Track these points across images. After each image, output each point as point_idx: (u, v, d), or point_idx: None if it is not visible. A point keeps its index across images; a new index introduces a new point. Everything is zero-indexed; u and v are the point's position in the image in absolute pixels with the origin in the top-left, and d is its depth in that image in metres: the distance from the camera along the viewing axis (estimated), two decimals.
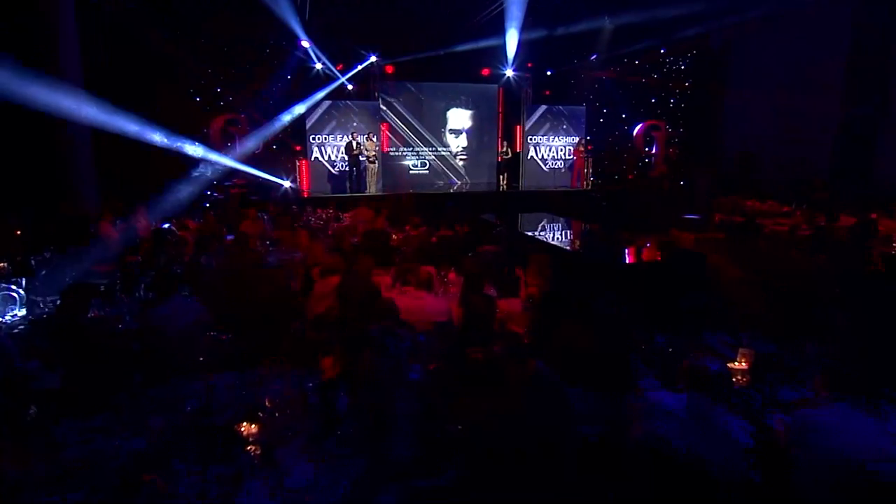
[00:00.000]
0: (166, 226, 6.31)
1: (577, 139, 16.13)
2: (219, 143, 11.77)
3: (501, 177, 15.16)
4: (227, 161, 11.42)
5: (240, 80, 12.63)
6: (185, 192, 9.89)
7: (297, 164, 13.49)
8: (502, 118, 16.65)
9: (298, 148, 13.77)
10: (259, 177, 12.12)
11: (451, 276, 4.85)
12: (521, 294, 4.47)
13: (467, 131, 16.19)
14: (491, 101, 16.34)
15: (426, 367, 3.70)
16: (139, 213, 8.65)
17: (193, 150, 10.55)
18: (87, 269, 6.49)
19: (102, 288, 5.71)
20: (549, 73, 16.08)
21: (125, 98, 10.02)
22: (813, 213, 10.91)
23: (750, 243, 9.96)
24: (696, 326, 3.69)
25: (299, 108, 12.88)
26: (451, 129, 16.04)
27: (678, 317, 3.85)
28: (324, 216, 9.48)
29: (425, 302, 3.65)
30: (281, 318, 4.32)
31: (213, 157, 11.13)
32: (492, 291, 4.82)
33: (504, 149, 15.14)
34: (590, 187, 15.78)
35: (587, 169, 16.01)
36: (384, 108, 14.86)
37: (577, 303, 3.65)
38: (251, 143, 12.25)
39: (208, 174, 10.91)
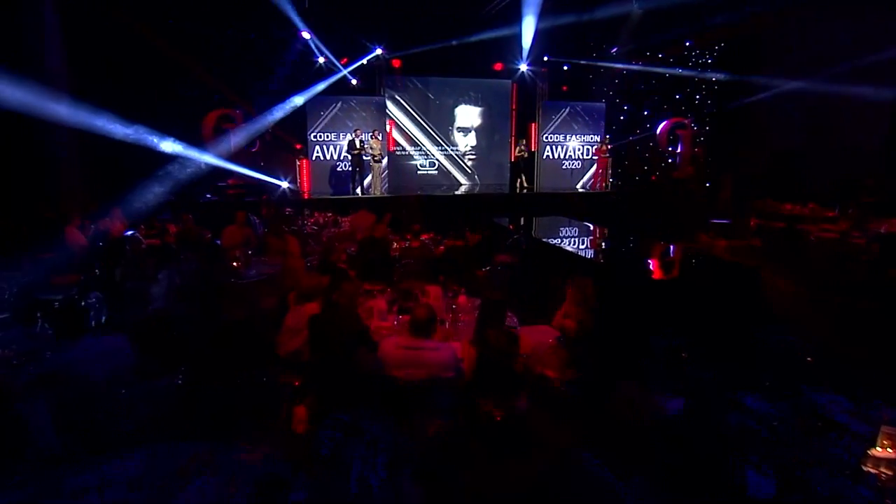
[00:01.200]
0: (130, 233, 5.46)
1: (597, 138, 15.11)
2: (212, 141, 10.94)
3: (520, 178, 14.16)
4: (211, 159, 10.57)
5: (235, 74, 11.78)
6: (168, 192, 9.06)
7: (298, 163, 12.65)
8: (515, 116, 15.71)
9: (299, 146, 12.92)
10: (254, 177, 11.28)
11: (462, 300, 3.91)
12: (554, 322, 3.52)
13: (477, 129, 15.26)
14: (503, 97, 15.38)
15: (424, 430, 2.78)
16: (113, 215, 7.84)
17: (174, 147, 9.71)
18: (45, 280, 5.67)
19: (57, 304, 4.88)
20: (565, 67, 15.08)
21: (109, 93, 9.25)
22: (863, 217, 9.79)
23: (795, 252, 8.95)
24: (789, 378, 2.74)
25: (298, 100, 12.00)
26: (458, 128, 15.12)
27: (760, 363, 2.91)
28: (321, 220, 8.60)
29: (425, 354, 2.72)
30: (247, 358, 3.42)
31: (197, 154, 10.28)
32: (512, 318, 3.89)
33: (521, 148, 14.16)
34: (609, 189, 14.77)
35: (608, 170, 15.02)
36: (390, 104, 13.97)
37: (633, 348, 2.71)
38: (246, 139, 11.41)
39: (191, 170, 10.05)
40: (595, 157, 14.87)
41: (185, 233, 6.54)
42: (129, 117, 9.47)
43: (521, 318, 4.07)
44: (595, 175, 14.89)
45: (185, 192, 9.93)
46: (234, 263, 5.09)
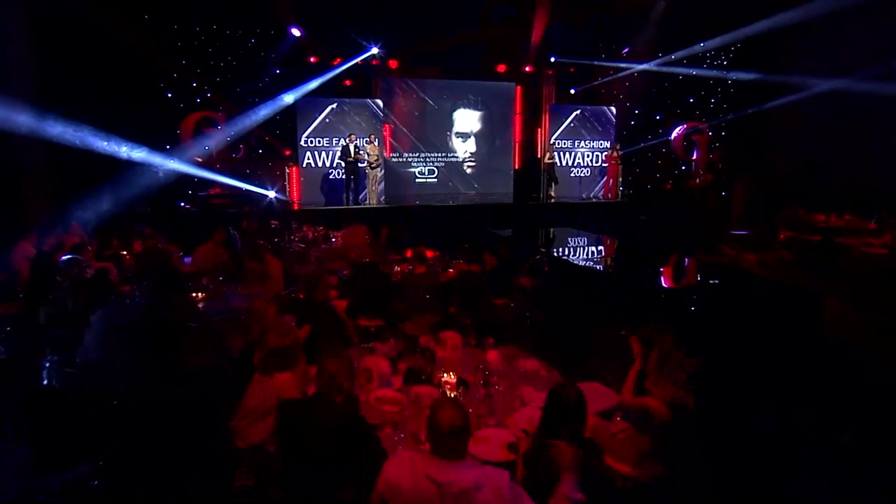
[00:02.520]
0: (67, 257, 4.44)
1: (606, 144, 14.21)
2: (191, 146, 9.92)
3: (550, 187, 13.21)
4: (188, 168, 9.54)
5: (218, 74, 10.78)
6: (139, 202, 8.04)
7: (287, 170, 11.64)
8: (520, 120, 14.80)
9: (288, 152, 11.92)
10: (238, 186, 10.26)
11: (493, 357, 2.91)
12: (624, 394, 2.52)
13: (476, 135, 14.32)
14: (506, 100, 14.47)
15: None
16: (71, 229, 6.81)
17: (147, 153, 8.66)
18: None
19: None
20: (571, 69, 14.19)
21: (77, 93, 8.24)
22: None
23: (838, 269, 8.04)
24: None
25: (288, 98, 11.01)
26: (457, 133, 14.18)
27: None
28: (310, 235, 7.59)
29: (450, 474, 1.66)
30: (194, 446, 2.41)
31: (174, 162, 9.24)
32: (552, 373, 2.90)
33: (551, 154, 13.22)
34: (620, 198, 13.85)
35: (619, 178, 14.11)
36: (386, 107, 13.02)
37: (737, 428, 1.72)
38: (229, 144, 10.41)
39: (160, 176, 9.01)
40: (605, 164, 13.96)
41: (146, 253, 5.52)
42: (98, 119, 8.43)
43: (556, 368, 3.10)
44: (606, 183, 13.98)
45: (161, 202, 8.90)
46: (197, 295, 4.09)
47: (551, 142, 13.72)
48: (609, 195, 13.80)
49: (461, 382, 2.59)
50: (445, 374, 2.59)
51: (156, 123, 9.26)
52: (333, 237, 7.40)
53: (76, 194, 7.57)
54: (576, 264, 8.13)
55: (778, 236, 10.42)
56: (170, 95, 10.37)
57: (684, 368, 2.27)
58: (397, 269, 5.11)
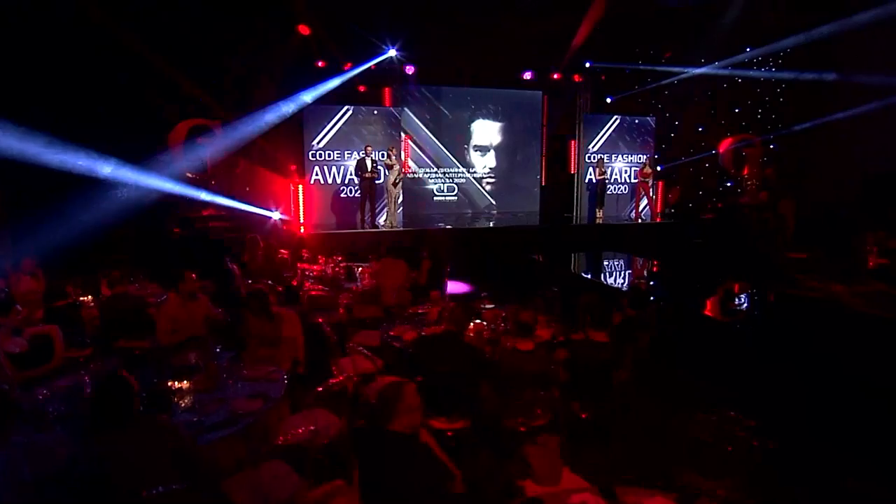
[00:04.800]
0: None
1: (644, 158, 12.81)
2: (181, 159, 8.35)
3: (599, 207, 11.90)
4: (177, 187, 7.97)
5: (213, 78, 9.25)
6: (111, 229, 6.46)
7: (292, 188, 10.10)
8: (546, 132, 13.39)
9: (293, 167, 10.39)
10: (237, 207, 8.70)
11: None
12: None
13: (496, 148, 12.90)
14: (531, 110, 13.07)
15: None
16: (24, 266, 5.21)
17: (126, 168, 7.06)
18: None
19: None
20: (603, 76, 12.82)
21: (45, 97, 6.69)
22: None
23: None
24: None
25: (306, 97, 9.56)
26: (475, 146, 12.76)
27: None
28: (328, 271, 6.01)
29: None
30: None
31: (160, 180, 7.64)
32: None
33: (603, 170, 11.78)
34: (662, 219, 12.41)
35: (654, 195, 12.69)
36: (406, 116, 11.61)
37: None
38: (227, 157, 8.85)
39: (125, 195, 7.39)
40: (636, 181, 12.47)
41: (111, 305, 3.93)
42: (66, 128, 6.85)
43: None
44: (636, 203, 12.40)
45: (140, 228, 7.30)
46: (181, 401, 2.49)
47: (596, 155, 12.35)
48: (641, 217, 12.26)
49: None
50: None
51: (136, 131, 7.66)
52: (360, 274, 5.83)
53: (30, 219, 5.96)
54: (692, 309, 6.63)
55: (866, 264, 9.02)
56: (156, 100, 8.82)
57: None
58: (471, 331, 3.54)
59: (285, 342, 3.62)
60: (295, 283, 5.27)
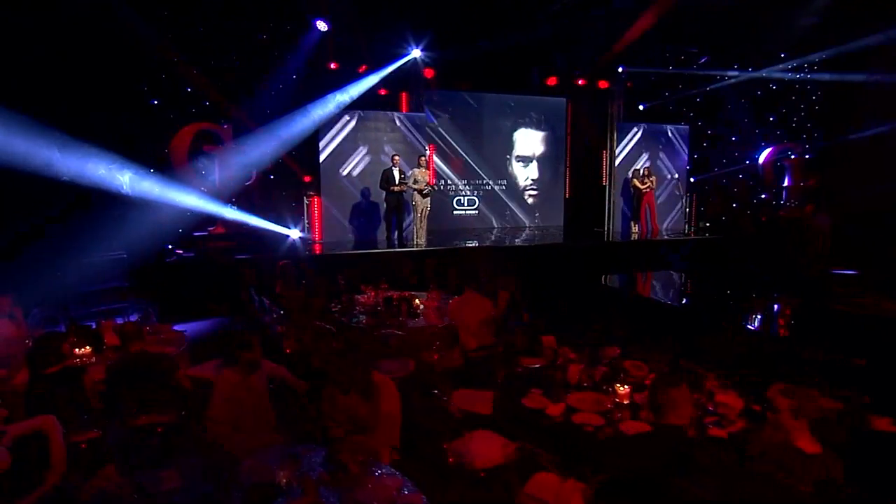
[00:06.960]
0: None
1: (675, 167, 12.04)
2: (185, 167, 7.22)
3: (640, 221, 11.00)
4: (184, 197, 6.83)
5: (223, 78, 8.16)
6: (111, 256, 5.33)
7: (307, 201, 9.02)
8: (570, 141, 12.53)
9: (308, 179, 9.31)
10: (249, 224, 7.58)
11: None
12: None
13: (538, 159, 12.09)
14: (551, 118, 12.29)
15: None
16: (2, 303, 4.04)
17: (128, 178, 5.91)
18: None
19: None
20: (630, 84, 12.03)
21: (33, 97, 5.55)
22: None
23: None
24: None
25: (341, 97, 8.53)
26: (518, 157, 11.93)
27: None
28: (370, 302, 4.94)
29: None
30: None
31: (164, 191, 6.51)
32: None
33: (647, 182, 10.89)
34: (693, 234, 11.57)
35: (688, 208, 11.89)
36: (433, 123, 10.68)
37: None
38: (239, 168, 7.74)
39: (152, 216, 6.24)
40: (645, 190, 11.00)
41: (127, 369, 2.84)
42: (56, 131, 5.71)
43: None
44: (642, 215, 11.01)
45: (141, 249, 6.13)
46: None
47: (629, 166, 11.50)
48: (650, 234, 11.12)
49: None
50: None
51: (142, 139, 6.53)
52: (418, 307, 4.76)
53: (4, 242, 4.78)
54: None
55: None
56: (158, 101, 7.70)
57: None
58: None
59: (382, 422, 2.56)
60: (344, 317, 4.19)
